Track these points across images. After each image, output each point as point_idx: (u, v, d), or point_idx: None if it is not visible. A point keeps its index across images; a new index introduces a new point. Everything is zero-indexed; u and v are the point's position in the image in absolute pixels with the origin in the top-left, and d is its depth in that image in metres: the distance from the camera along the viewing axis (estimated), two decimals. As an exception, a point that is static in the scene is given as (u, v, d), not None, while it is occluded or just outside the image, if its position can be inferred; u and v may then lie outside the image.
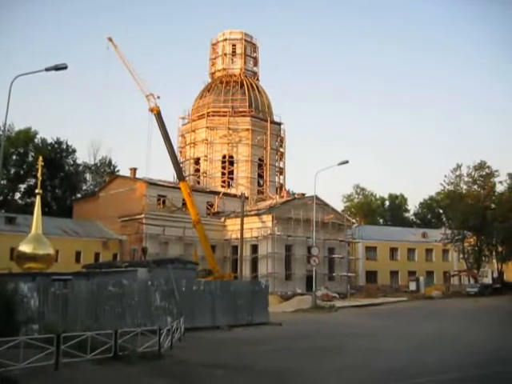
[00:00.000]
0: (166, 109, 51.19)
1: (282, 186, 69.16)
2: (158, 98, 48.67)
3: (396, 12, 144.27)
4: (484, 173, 66.67)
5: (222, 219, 58.33)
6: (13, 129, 65.30)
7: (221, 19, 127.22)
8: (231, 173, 65.83)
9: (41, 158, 36.07)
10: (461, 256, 69.17)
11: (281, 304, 41.51)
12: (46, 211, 53.21)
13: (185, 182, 50.13)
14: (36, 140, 68.68)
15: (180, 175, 50.34)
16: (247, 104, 66.37)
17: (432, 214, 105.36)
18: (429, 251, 75.53)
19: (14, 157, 66.31)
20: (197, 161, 67.24)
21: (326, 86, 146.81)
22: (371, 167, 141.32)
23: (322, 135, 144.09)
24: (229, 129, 65.06)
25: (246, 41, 71.26)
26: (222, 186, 64.25)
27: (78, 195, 70.78)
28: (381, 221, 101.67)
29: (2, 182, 60.64)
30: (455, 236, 67.04)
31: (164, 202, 56.25)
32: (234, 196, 59.50)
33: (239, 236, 50.68)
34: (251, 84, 68.52)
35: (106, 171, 75.72)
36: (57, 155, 68.86)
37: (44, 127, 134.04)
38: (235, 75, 68.95)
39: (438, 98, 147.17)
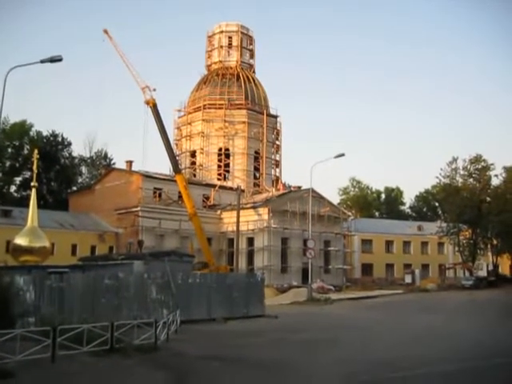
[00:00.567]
0: (162, 101, 51.24)
1: (278, 179, 69.18)
2: (154, 90, 48.64)
3: (391, 6, 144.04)
4: (480, 166, 66.77)
5: (218, 212, 58.35)
6: (8, 121, 65.09)
7: (217, 11, 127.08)
8: (227, 165, 65.82)
9: (36, 151, 36.00)
10: (456, 249, 69.42)
11: (277, 296, 41.59)
12: (42, 204, 53.19)
13: (181, 174, 50.10)
14: (31, 133, 68.51)
15: (176, 168, 50.30)
16: (243, 96, 66.27)
17: (428, 207, 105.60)
18: (424, 244, 75.76)
19: (10, 150, 66.20)
20: (193, 153, 67.20)
21: (321, 80, 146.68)
22: (367, 160, 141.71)
23: (318, 128, 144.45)
24: (225, 121, 64.98)
25: (242, 33, 71.10)
26: (218, 179, 64.24)
27: (74, 188, 70.68)
28: (377, 214, 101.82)
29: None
30: (451, 229, 67.24)
31: (160, 194, 56.23)
32: (230, 189, 59.55)
33: (235, 229, 50.76)
34: (247, 76, 68.40)
35: (101, 164, 75.66)
36: (52, 148, 68.65)
37: (39, 120, 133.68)
38: (231, 68, 68.82)
39: (434, 92, 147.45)
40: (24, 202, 50.74)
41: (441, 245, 75.02)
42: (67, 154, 72.28)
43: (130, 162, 57.80)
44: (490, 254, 70.28)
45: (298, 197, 56.71)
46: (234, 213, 51.95)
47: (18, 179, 67.53)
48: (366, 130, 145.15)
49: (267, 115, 67.63)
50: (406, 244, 74.89)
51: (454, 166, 67.51)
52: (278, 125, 70.13)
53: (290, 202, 55.69)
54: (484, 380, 12.90)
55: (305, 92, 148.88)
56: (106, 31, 49.30)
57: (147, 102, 48.48)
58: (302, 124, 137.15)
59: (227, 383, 12.48)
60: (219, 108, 65.30)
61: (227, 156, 65.88)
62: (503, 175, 67.12)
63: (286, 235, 55.35)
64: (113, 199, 53.84)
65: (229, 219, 55.80)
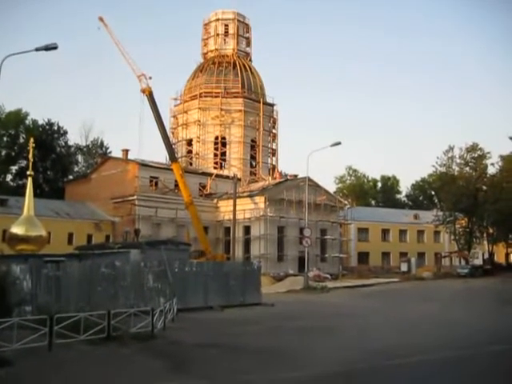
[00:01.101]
0: (158, 90, 51.06)
1: (274, 168, 69.10)
2: (150, 78, 48.53)
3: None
4: (476, 155, 66.74)
5: (215, 201, 58.34)
6: (3, 110, 64.86)
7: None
8: (224, 154, 65.70)
9: (32, 140, 35.74)
10: (452, 237, 69.55)
11: (273, 285, 41.76)
12: (38, 193, 52.94)
13: (177, 163, 50.04)
14: (27, 121, 68.11)
15: (172, 156, 50.24)
16: (240, 85, 66.02)
17: (424, 195, 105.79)
18: (420, 233, 76.02)
19: (5, 138, 65.86)
20: (189, 142, 67.03)
21: (319, 69, 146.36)
22: (364, 149, 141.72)
23: (315, 117, 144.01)
24: (221, 110, 64.77)
25: (238, 21, 70.66)
26: (215, 168, 64.15)
27: (70, 177, 70.49)
28: (373, 202, 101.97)
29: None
30: (447, 218, 67.37)
31: (156, 183, 56.17)
32: (227, 177, 59.48)
33: (232, 217, 50.77)
34: (244, 65, 68.10)
35: (97, 153, 75.44)
36: (48, 137, 68.33)
37: (35, 109, 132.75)
38: (227, 56, 68.47)
39: (430, 81, 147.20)
40: (20, 191, 50.53)
41: (437, 233, 75.29)
42: (63, 143, 72.00)
43: (126, 151, 57.58)
44: (485, 242, 70.45)
45: (294, 185, 56.69)
46: (231, 201, 51.93)
47: (13, 168, 67.28)
48: (363, 119, 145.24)
49: (264, 104, 67.43)
50: (402, 232, 75.14)
51: (450, 155, 67.48)
52: (275, 113, 69.99)
53: (287, 191, 55.68)
54: (482, 367, 12.96)
55: (301, 81, 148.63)
56: (101, 19, 49.01)
57: (143, 91, 48.31)
58: (298, 113, 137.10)
59: (224, 371, 12.51)
60: (215, 96, 65.05)
61: (223, 144, 65.75)
62: (499, 164, 67.07)
63: (283, 224, 55.38)
64: (109, 188, 53.71)
65: (225, 208, 55.76)
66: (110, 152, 73.53)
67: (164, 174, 55.64)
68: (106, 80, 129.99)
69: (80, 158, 76.80)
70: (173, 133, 67.52)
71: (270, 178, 63.60)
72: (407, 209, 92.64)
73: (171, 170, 50.00)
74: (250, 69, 68.92)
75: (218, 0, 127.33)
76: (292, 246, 55.04)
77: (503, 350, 14.78)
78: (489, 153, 66.40)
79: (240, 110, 65.27)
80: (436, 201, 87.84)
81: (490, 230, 68.97)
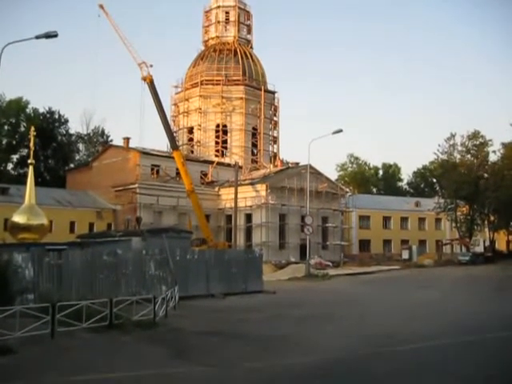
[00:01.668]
0: (159, 77, 50.89)
1: (275, 155, 69.05)
2: (151, 66, 48.32)
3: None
4: (477, 142, 66.71)
5: (216, 188, 58.32)
6: (4, 99, 64.62)
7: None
8: (225, 142, 65.61)
9: (33, 128, 35.64)
10: (453, 225, 69.65)
11: (275, 272, 41.86)
12: (39, 181, 52.95)
13: (178, 151, 49.98)
14: (28, 110, 67.85)
15: (173, 144, 50.17)
16: (241, 72, 65.80)
17: (425, 183, 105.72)
18: (422, 220, 76.04)
19: (6, 127, 65.70)
20: (190, 130, 66.92)
21: (320, 57, 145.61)
22: (365, 136, 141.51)
23: (316, 105, 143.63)
24: (222, 97, 64.59)
25: (239, 8, 70.29)
26: (216, 156, 64.10)
27: (71, 165, 70.39)
28: (374, 190, 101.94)
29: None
30: (448, 205, 67.43)
31: (158, 171, 56.14)
32: (228, 165, 59.42)
33: (233, 205, 50.79)
34: (245, 52, 67.80)
35: (98, 141, 75.31)
36: (49, 125, 68.16)
37: (36, 97, 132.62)
38: (229, 43, 68.18)
39: (432, 68, 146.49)
40: (21, 180, 50.53)
41: (438, 221, 75.33)
42: (64, 132, 71.81)
43: (127, 139, 57.45)
44: (486, 229, 70.49)
45: (295, 173, 56.68)
46: (232, 189, 51.94)
47: (14, 157, 67.18)
48: (364, 107, 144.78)
49: (265, 91, 67.19)
50: (404, 220, 75.16)
51: (451, 142, 67.45)
52: (276, 101, 69.83)
53: (288, 179, 55.66)
54: (483, 353, 12.98)
55: (303, 68, 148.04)
56: (101, 6, 48.75)
57: (144, 79, 48.14)
58: (299, 100, 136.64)
59: (226, 358, 12.56)
60: (216, 84, 64.84)
61: (225, 132, 65.63)
62: (501, 151, 66.99)
63: (284, 211, 55.43)
64: (110, 176, 53.68)
65: (227, 196, 55.77)
66: (111, 140, 73.36)
67: (165, 162, 55.58)
68: (106, 68, 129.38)
69: (81, 146, 76.71)
70: (174, 121, 67.39)
71: (272, 165, 63.56)
72: (408, 196, 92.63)
73: (172, 158, 49.93)
74: (251, 56, 68.62)
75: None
76: (293, 234, 55.14)
77: (506, 337, 14.80)
78: (490, 140, 66.57)
79: (241, 98, 65.07)
80: (437, 188, 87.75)
81: (491, 218, 69.00)
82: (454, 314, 19.77)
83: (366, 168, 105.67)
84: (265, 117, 66.92)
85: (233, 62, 66.40)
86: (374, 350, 13.14)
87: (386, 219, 73.94)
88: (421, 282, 36.46)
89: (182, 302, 20.85)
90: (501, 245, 76.72)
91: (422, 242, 72.26)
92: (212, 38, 69.72)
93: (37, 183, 37.75)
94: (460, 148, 67.45)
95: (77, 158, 74.85)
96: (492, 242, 70.13)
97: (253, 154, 67.46)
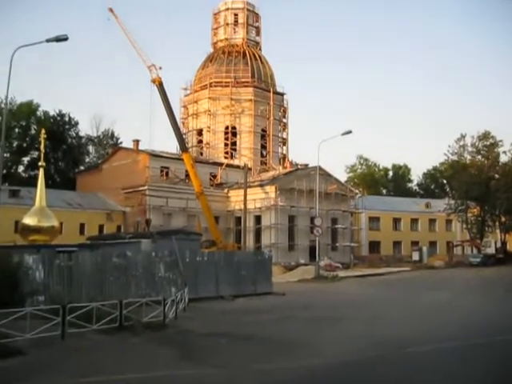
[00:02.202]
0: (169, 80, 51.02)
1: (285, 157, 69.00)
2: (160, 68, 48.42)
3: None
4: (488, 143, 66.31)
5: (226, 190, 58.37)
6: (14, 102, 65.04)
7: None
8: (234, 144, 65.69)
9: (43, 131, 35.99)
10: (464, 226, 69.19)
11: (284, 274, 41.81)
12: (50, 184, 53.22)
13: (188, 153, 50.09)
14: (38, 113, 68.44)
15: (183, 147, 50.27)
16: (250, 74, 65.88)
17: (435, 184, 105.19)
18: (432, 221, 75.64)
19: (17, 130, 66.15)
20: (199, 132, 67.06)
21: (329, 57, 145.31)
22: (374, 138, 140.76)
23: (326, 106, 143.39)
24: (231, 99, 64.68)
25: (248, 10, 70.40)
26: (225, 157, 64.17)
27: (81, 167, 70.79)
28: (384, 191, 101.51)
29: (4, 156, 60.52)
30: (458, 206, 67.01)
31: (167, 173, 56.27)
32: (237, 167, 59.49)
33: (242, 207, 50.82)
34: (254, 54, 67.89)
35: (108, 143, 75.72)
36: (59, 128, 68.61)
37: (46, 100, 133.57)
38: (237, 45, 68.30)
39: (444, 68, 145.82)
40: (32, 182, 50.76)
41: (449, 222, 74.88)
42: (74, 134, 72.36)
43: (136, 141, 57.64)
44: (498, 231, 69.92)
45: (305, 175, 56.60)
46: (241, 191, 51.97)
47: (25, 159, 67.66)
48: (374, 108, 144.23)
49: (274, 93, 67.23)
50: (414, 221, 74.81)
51: (462, 143, 67.11)
52: (285, 102, 69.87)
53: (297, 180, 55.61)
54: (494, 356, 12.87)
55: (312, 70, 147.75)
56: (111, 10, 48.90)
57: (153, 81, 48.29)
58: (309, 102, 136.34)
59: (236, 359, 12.56)
60: (225, 86, 64.95)
61: (234, 134, 65.71)
62: (511, 152, 66.57)
63: (293, 213, 55.37)
64: (120, 178, 53.88)
65: (236, 197, 55.83)
66: (120, 142, 73.73)
67: (175, 164, 55.72)
68: (116, 71, 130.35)
69: (91, 148, 77.19)
70: (183, 123, 67.54)
71: (281, 167, 63.56)
72: (419, 197, 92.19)
73: (182, 160, 50.05)
74: (260, 58, 68.68)
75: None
76: (303, 236, 55.05)
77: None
78: (501, 141, 66.06)
79: (250, 100, 65.13)
80: (448, 189, 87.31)
81: (503, 219, 68.41)
82: (465, 317, 19.65)
83: (376, 169, 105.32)
84: (274, 118, 66.94)
85: (242, 63, 66.49)
86: (384, 352, 13.06)
87: (396, 220, 73.63)
88: (431, 284, 36.27)
89: (192, 304, 20.88)
90: (512, 246, 76.15)
91: (433, 244, 71.84)
92: (221, 40, 69.87)
93: (47, 185, 38.07)
94: (470, 149, 67.15)
95: (87, 160, 75.29)
96: (503, 243, 69.56)
97: (262, 155, 67.49)
